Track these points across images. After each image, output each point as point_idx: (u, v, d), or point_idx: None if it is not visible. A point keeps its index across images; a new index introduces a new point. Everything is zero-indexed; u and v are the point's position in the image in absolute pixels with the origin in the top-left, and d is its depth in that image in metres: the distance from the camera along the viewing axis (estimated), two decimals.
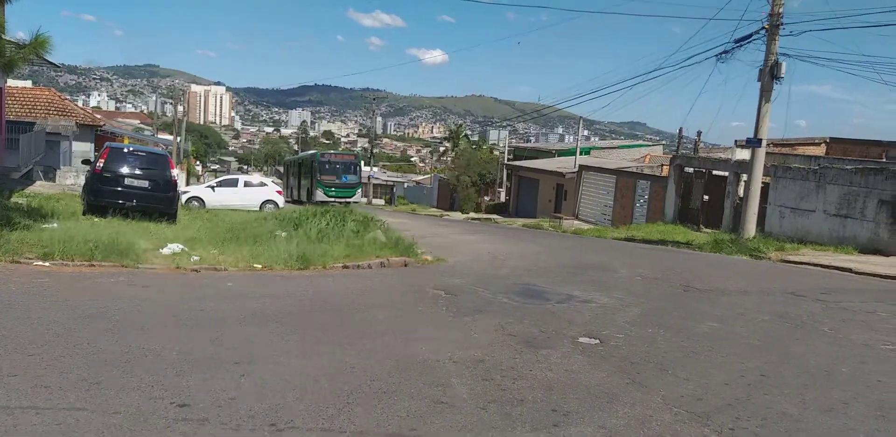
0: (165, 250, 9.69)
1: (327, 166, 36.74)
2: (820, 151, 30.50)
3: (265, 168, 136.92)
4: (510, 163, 46.95)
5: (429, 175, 76.01)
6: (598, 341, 5.96)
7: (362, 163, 42.04)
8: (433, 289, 8.31)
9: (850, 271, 12.94)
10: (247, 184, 26.25)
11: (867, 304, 8.79)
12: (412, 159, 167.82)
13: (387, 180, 74.73)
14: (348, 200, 34.47)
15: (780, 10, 17.02)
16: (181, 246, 9.99)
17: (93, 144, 30.48)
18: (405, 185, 72.77)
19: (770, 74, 17.14)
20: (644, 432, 3.81)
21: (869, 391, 4.82)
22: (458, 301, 7.59)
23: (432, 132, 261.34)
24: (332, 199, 33.89)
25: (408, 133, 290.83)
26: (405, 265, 10.44)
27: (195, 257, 9.39)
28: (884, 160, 25.97)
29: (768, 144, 19.50)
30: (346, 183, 36.77)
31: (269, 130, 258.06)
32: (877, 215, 17.65)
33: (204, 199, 24.34)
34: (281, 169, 61.97)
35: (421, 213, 41.47)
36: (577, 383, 4.70)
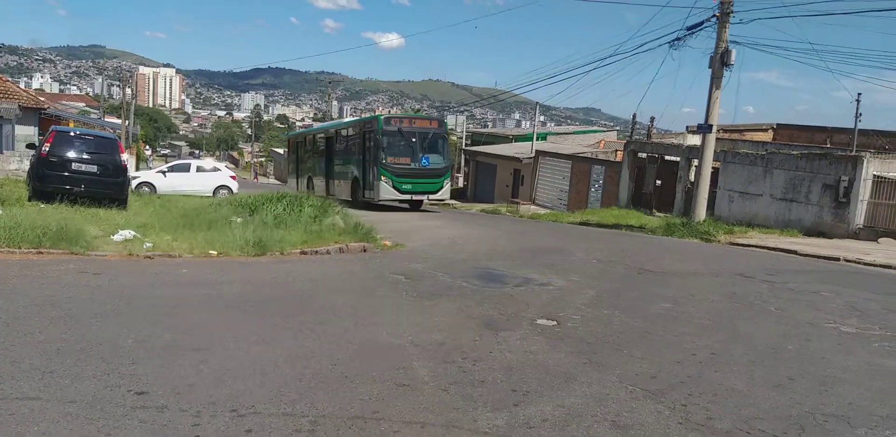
0: (117, 237, 9.46)
1: (398, 140, 21.17)
2: (767, 136, 31.36)
3: (218, 153, 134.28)
4: (468, 148, 47.01)
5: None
6: (555, 322, 6.07)
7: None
8: (393, 274, 8.32)
9: (795, 252, 13.41)
10: (199, 169, 25.70)
11: (811, 284, 9.14)
12: None
13: None
14: (432, 197, 22.19)
15: None
16: (133, 233, 9.77)
17: (37, 128, 29.35)
18: None
19: (720, 62, 17.48)
20: (601, 409, 3.91)
21: (813, 368, 5.03)
22: (418, 286, 7.63)
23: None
24: (407, 195, 21.29)
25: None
26: (364, 251, 10.41)
27: (148, 244, 9.20)
28: (828, 146, 26.86)
29: (718, 130, 19.96)
30: (428, 169, 21.29)
31: (222, 113, 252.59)
32: (821, 199, 18.29)
33: (155, 184, 23.77)
34: (287, 149, 37.49)
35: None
36: (535, 363, 4.78)
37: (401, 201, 22.19)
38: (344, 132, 25.39)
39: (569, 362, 4.85)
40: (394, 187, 20.81)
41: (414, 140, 21.10)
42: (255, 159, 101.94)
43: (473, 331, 5.62)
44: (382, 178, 20.73)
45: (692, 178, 22.48)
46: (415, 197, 21.76)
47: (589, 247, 12.45)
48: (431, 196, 22.17)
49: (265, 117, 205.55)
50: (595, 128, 62.77)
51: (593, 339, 5.56)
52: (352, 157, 23.71)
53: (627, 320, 6.33)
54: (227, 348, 4.82)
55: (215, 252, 9.18)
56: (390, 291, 7.27)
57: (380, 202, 21.81)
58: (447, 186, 22.23)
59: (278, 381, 4.15)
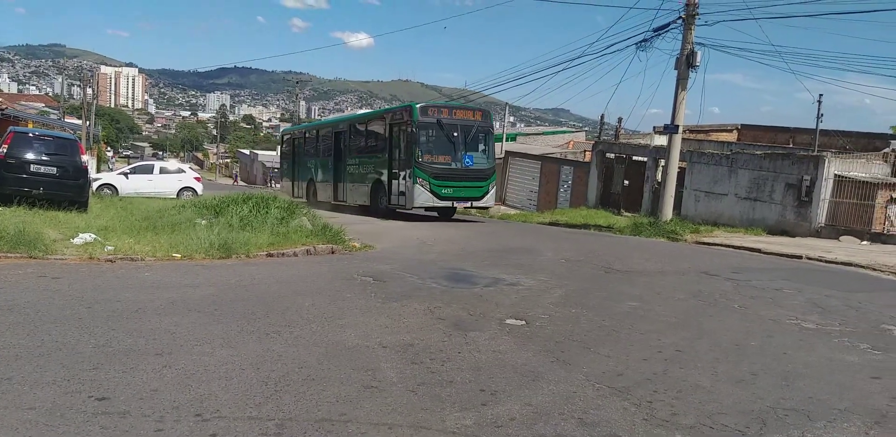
0: (77, 240, 9.26)
1: (437, 134, 17.64)
2: (732, 137, 31.93)
3: (182, 154, 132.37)
4: None
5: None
6: (524, 322, 6.09)
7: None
8: (361, 276, 8.28)
9: (759, 251, 13.68)
10: (163, 170, 25.35)
11: (774, 282, 9.32)
12: None
13: None
14: (476, 203, 18.39)
15: (696, 1, 17.62)
16: (94, 236, 9.57)
17: None
18: None
19: (686, 63, 17.76)
20: (568, 407, 3.93)
21: (775, 363, 5.12)
22: (387, 287, 7.59)
23: None
24: (447, 202, 17.66)
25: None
26: (332, 253, 10.34)
27: (109, 247, 9.01)
28: (791, 146, 27.46)
29: (684, 131, 20.26)
30: (471, 170, 17.80)
31: (186, 114, 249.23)
32: (784, 198, 18.67)
33: (117, 186, 23.38)
34: (282, 147, 31.30)
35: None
36: (504, 363, 4.79)
37: (429, 209, 18.33)
38: (361, 126, 21.24)
39: (537, 361, 4.87)
40: (431, 192, 17.04)
41: (455, 135, 17.47)
42: (221, 161, 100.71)
43: (442, 332, 5.61)
44: (418, 180, 16.97)
45: (659, 178, 22.79)
46: (456, 204, 17.96)
47: (558, 247, 12.54)
48: (475, 203, 18.18)
49: (231, 118, 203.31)
50: (564, 128, 63.34)
51: (561, 338, 5.59)
52: (373, 155, 19.63)
53: (595, 319, 6.38)
54: (191, 352, 4.74)
55: (179, 255, 9.03)
56: (358, 292, 7.23)
57: (412, 210, 18.18)
58: (492, 191, 18.46)
59: (244, 384, 4.09)
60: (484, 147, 18.26)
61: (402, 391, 4.10)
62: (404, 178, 17.53)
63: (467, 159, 17.62)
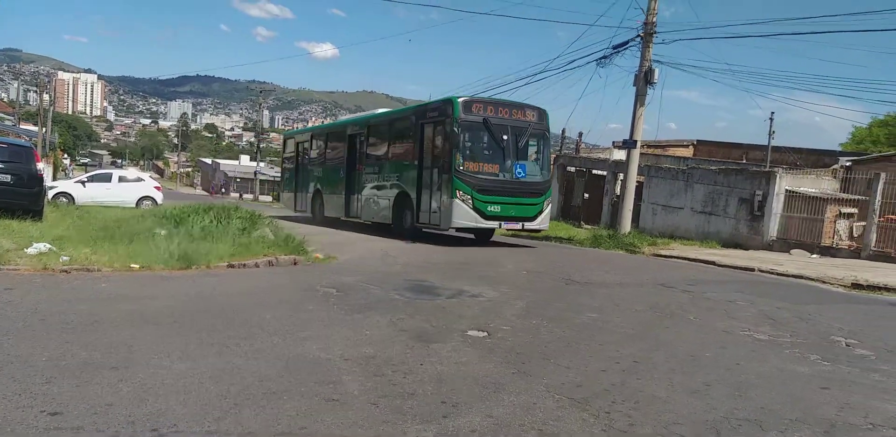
0: (31, 250, 9.03)
1: (483, 137, 14.72)
2: (688, 152, 32.67)
3: (142, 162, 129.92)
4: None
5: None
6: (486, 333, 6.14)
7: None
8: (324, 287, 8.24)
9: (713, 263, 14.00)
10: (121, 179, 24.86)
11: (728, 294, 9.55)
12: None
13: (275, 176, 72.78)
14: (528, 225, 15.11)
15: (654, 20, 18.09)
16: (49, 245, 9.34)
17: None
18: None
19: (644, 80, 18.18)
20: (528, 418, 3.98)
21: (729, 374, 5.26)
22: (349, 299, 7.57)
23: None
24: (494, 222, 14.66)
25: (297, 127, 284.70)
26: (295, 264, 10.27)
27: (65, 257, 8.81)
28: (744, 162, 28.20)
29: (642, 146, 20.70)
30: (524, 184, 14.82)
31: (147, 121, 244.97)
32: (737, 212, 19.16)
33: (73, 195, 22.85)
34: (288, 152, 25.13)
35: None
36: (465, 375, 4.83)
37: (468, 230, 15.55)
38: (384, 127, 17.59)
39: (498, 373, 4.91)
40: (475, 209, 13.92)
41: (505, 138, 14.32)
42: (182, 170, 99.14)
43: (404, 344, 5.63)
44: (458, 194, 13.80)
45: (618, 191, 23.18)
46: (505, 225, 14.84)
47: (519, 258, 12.65)
48: (528, 224, 14.83)
49: (193, 126, 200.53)
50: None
51: (522, 349, 5.65)
52: (398, 162, 16.18)
53: (555, 330, 6.46)
54: (149, 365, 4.66)
55: (137, 266, 8.87)
56: (320, 304, 7.20)
57: (447, 231, 15.31)
58: (547, 210, 15.20)
59: (202, 398, 4.05)
60: (538, 155, 15.32)
61: (363, 404, 4.10)
62: (439, 191, 14.35)
63: (519, 170, 14.38)
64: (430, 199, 14.73)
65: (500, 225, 14.80)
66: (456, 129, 13.96)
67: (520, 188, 14.54)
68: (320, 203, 20.47)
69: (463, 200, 13.93)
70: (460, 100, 14.21)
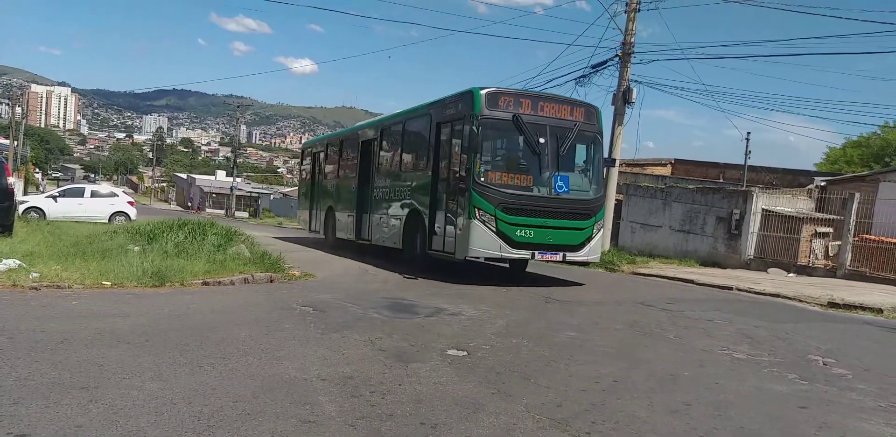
0: (0, 266, 8.81)
1: (513, 139, 11.75)
2: (666, 171, 33.03)
3: (116, 177, 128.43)
4: None
5: (297, 187, 74.36)
6: (465, 352, 6.07)
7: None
8: (300, 305, 8.12)
9: (692, 282, 14.09)
10: (94, 194, 24.47)
11: (707, 312, 9.59)
12: (279, 170, 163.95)
13: (251, 192, 72.36)
14: (572, 255, 11.59)
15: (632, 40, 18.37)
16: (18, 261, 9.13)
17: None
18: (271, 197, 70.82)
19: (623, 99, 18.40)
20: None
21: (708, 393, 5.24)
22: (327, 317, 7.47)
23: (301, 143, 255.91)
24: (526, 251, 11.22)
25: (274, 143, 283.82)
26: (271, 281, 10.13)
27: (35, 274, 8.60)
28: (721, 181, 28.57)
29: (621, 164, 20.90)
30: (566, 201, 11.35)
31: (121, 135, 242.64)
32: (715, 231, 19.35)
33: (45, 210, 22.45)
34: (304, 164, 22.56)
35: (288, 226, 40.47)
36: (445, 395, 4.76)
37: (494, 260, 12.65)
38: (397, 130, 14.35)
39: (478, 393, 4.85)
40: (499, 233, 10.79)
41: (542, 142, 11.16)
42: (157, 184, 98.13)
43: (383, 363, 5.54)
44: (478, 213, 10.75)
45: None
46: (540, 255, 11.29)
47: (500, 276, 12.60)
48: (571, 255, 11.41)
49: (168, 140, 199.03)
50: None
51: (502, 368, 5.60)
52: (411, 172, 13.51)
53: (535, 349, 6.42)
54: (120, 385, 4.53)
55: (109, 283, 8.69)
56: (297, 323, 7.09)
57: (468, 260, 11.50)
58: (598, 236, 11.79)
59: (175, 420, 3.93)
60: (587, 165, 12.02)
61: (340, 426, 4.01)
62: (454, 209, 11.26)
63: (560, 183, 11.11)
64: (444, 219, 11.58)
65: (534, 256, 11.16)
66: (476, 128, 10.78)
67: (561, 207, 11.08)
68: (333, 224, 17.55)
69: (483, 222, 10.66)
70: (483, 91, 10.98)
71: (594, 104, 12.30)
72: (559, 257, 11.32)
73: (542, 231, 11.01)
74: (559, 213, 11.14)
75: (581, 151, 12.01)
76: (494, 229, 10.75)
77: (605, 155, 19.01)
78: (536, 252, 11.13)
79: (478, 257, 11.33)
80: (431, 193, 12.05)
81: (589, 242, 11.47)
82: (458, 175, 11.28)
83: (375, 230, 14.72)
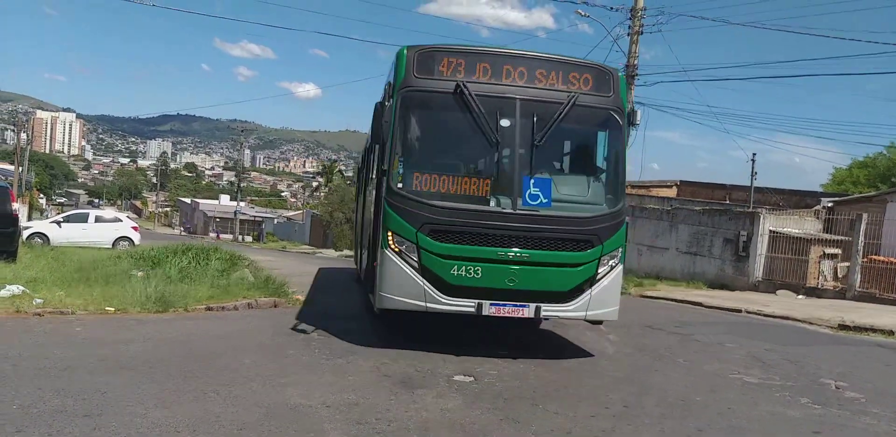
0: (3, 293, 8.76)
1: (455, 121, 7.12)
2: (672, 192, 32.97)
3: (120, 202, 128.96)
4: None
5: (300, 211, 74.46)
6: (472, 378, 5.99)
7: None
8: (305, 331, 8.04)
9: (700, 304, 13.96)
10: (98, 219, 24.49)
11: (717, 336, 9.48)
12: (283, 194, 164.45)
13: (255, 216, 72.47)
14: (549, 309, 6.86)
15: (636, 62, 18.50)
16: (22, 288, 9.08)
17: None
18: (275, 221, 70.91)
19: (627, 121, 18.46)
20: None
21: (720, 418, 5.15)
22: (332, 342, 7.39)
23: (304, 167, 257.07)
24: (468, 303, 6.68)
25: (278, 167, 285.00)
26: (275, 306, 10.05)
27: (38, 300, 8.55)
28: (727, 202, 28.50)
29: (627, 186, 20.86)
30: (545, 221, 6.83)
31: (125, 161, 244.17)
32: (722, 253, 19.24)
33: (49, 235, 22.45)
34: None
35: (292, 250, 40.45)
36: (452, 422, 4.67)
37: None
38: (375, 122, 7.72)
39: (485, 420, 4.77)
40: (423, 271, 6.80)
41: (506, 125, 7.04)
42: (161, 209, 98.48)
43: (388, 390, 5.46)
44: (391, 239, 6.90)
45: None
46: (494, 309, 6.79)
47: None
48: (552, 308, 6.93)
49: (172, 165, 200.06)
50: None
51: (510, 394, 5.51)
52: (365, 185, 11.22)
53: (543, 374, 6.33)
54: (123, 413, 4.46)
55: (113, 309, 8.63)
56: (302, 349, 7.01)
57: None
58: (611, 276, 7.15)
59: None
60: (589, 162, 7.93)
61: None
62: (372, 233, 7.98)
63: (534, 190, 6.97)
64: (360, 251, 9.01)
65: (481, 309, 6.72)
66: (394, 108, 6.99)
67: (534, 230, 6.83)
68: (359, 257, 12.78)
69: (399, 254, 6.81)
70: (411, 51, 7.10)
71: (609, 66, 7.90)
72: (528, 311, 6.73)
73: (499, 270, 6.66)
74: (530, 239, 6.72)
75: (581, 141, 7.90)
76: (416, 265, 6.66)
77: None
78: (487, 304, 6.66)
79: (399, 309, 6.91)
80: (357, 211, 9.18)
81: (588, 287, 6.87)
82: (376, 182, 7.87)
83: (361, 263, 11.14)
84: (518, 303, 6.78)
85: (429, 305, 6.76)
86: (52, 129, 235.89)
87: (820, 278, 17.73)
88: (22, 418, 4.23)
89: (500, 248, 6.74)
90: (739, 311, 13.06)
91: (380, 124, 7.14)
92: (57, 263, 12.99)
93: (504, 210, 6.83)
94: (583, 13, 19.27)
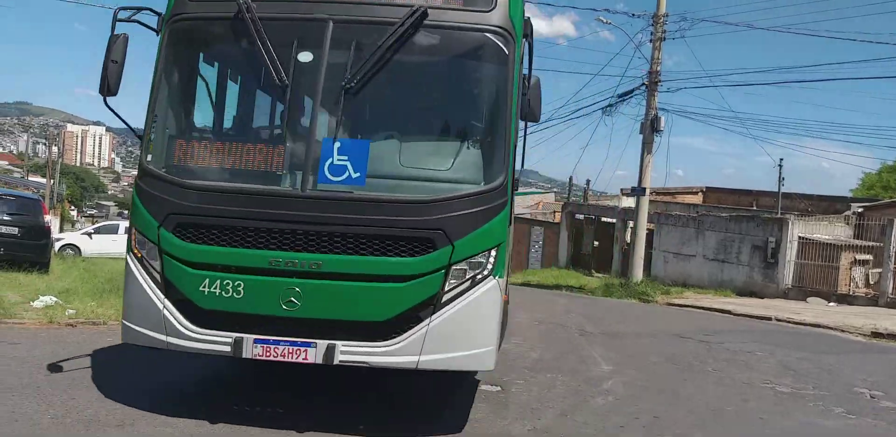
0: (37, 303, 8.94)
1: (244, 62, 5.08)
2: (698, 199, 32.66)
3: None
4: None
5: None
6: (499, 388, 5.97)
7: None
8: None
9: (729, 312, 13.79)
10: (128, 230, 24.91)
11: (746, 344, 9.34)
12: None
13: None
14: (348, 354, 4.24)
15: (658, 69, 18.42)
16: (55, 298, 9.26)
17: None
18: None
19: (651, 127, 18.36)
20: None
21: (753, 429, 5.07)
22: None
23: None
24: (223, 340, 4.31)
25: None
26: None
27: (71, 311, 8.71)
28: (754, 208, 28.14)
29: (651, 193, 20.72)
30: (355, 208, 4.31)
31: None
32: (751, 260, 18.99)
33: (80, 246, 22.90)
34: None
35: None
36: (479, 433, 4.66)
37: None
38: None
39: (513, 430, 4.75)
40: (165, 285, 4.47)
41: (305, 61, 4.60)
42: None
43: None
44: (134, 238, 4.74)
45: (628, 239, 23.10)
46: (261, 348, 4.29)
47: (531, 308, 12.47)
48: (350, 351, 4.26)
49: None
50: (533, 189, 64.23)
51: (537, 404, 5.48)
52: None
53: (571, 384, 6.29)
54: (154, 423, 4.52)
55: None
56: None
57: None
58: (481, 296, 4.35)
59: None
60: (448, 112, 5.09)
61: None
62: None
63: (337, 159, 4.44)
64: None
65: (240, 349, 4.31)
66: (162, 45, 4.84)
67: (327, 221, 4.37)
68: None
69: (139, 261, 4.66)
70: None
71: None
72: (313, 353, 4.30)
73: (271, 286, 4.36)
74: (325, 237, 4.38)
75: (434, 81, 5.18)
76: (158, 278, 4.54)
77: (636, 185, 18.86)
78: (249, 340, 4.34)
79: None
80: None
81: (426, 315, 4.35)
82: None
83: None
84: (300, 340, 4.25)
85: (170, 339, 4.40)
86: (82, 142, 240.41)
87: (851, 284, 17.41)
88: (55, 427, 4.31)
89: (274, 251, 4.30)
90: (769, 319, 12.86)
91: None
92: (88, 274, 13.22)
93: (286, 191, 4.48)
94: (605, 20, 19.26)
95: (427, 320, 4.26)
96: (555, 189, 66.80)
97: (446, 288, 4.26)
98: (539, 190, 61.68)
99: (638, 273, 18.68)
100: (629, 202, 25.08)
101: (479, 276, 4.31)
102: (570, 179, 37.13)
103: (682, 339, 9.58)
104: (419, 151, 4.82)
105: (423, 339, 4.24)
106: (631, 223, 21.55)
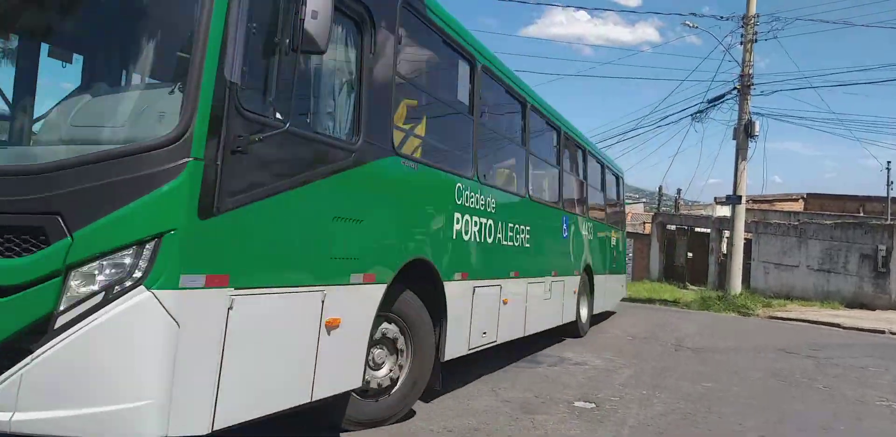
0: None
1: None
2: (798, 206, 31.14)
3: None
4: None
5: None
6: (593, 405, 5.87)
7: None
8: None
9: (838, 326, 13.02)
10: None
11: (858, 359, 8.79)
12: None
13: None
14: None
15: (750, 71, 17.78)
16: None
17: None
18: None
19: (744, 133, 17.70)
20: None
21: None
22: (447, 367, 7.46)
23: None
24: None
25: None
26: None
27: None
28: (861, 215, 26.53)
29: (748, 201, 19.93)
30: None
31: None
32: (859, 270, 17.90)
33: None
34: None
35: None
36: None
37: None
38: None
39: None
40: None
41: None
42: None
43: (508, 415, 5.45)
44: None
45: (724, 249, 22.25)
46: None
47: (623, 322, 12.20)
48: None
49: None
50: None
51: (633, 422, 5.35)
52: None
53: (668, 401, 6.10)
54: None
55: None
56: None
57: None
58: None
59: None
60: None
61: None
62: None
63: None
64: None
65: None
66: None
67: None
68: None
69: None
70: None
71: None
72: None
73: None
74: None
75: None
76: None
77: (730, 193, 18.17)
78: None
79: None
80: None
81: (26, 350, 2.73)
82: None
83: None
84: None
85: None
86: None
87: None
88: None
89: None
90: (882, 332, 12.07)
91: None
92: None
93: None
94: (691, 24, 18.78)
95: (29, 357, 2.71)
96: (643, 199, 65.19)
97: (62, 306, 2.74)
98: (627, 201, 60.38)
99: (736, 285, 17.91)
100: (724, 211, 24.18)
101: (121, 286, 2.72)
102: (660, 188, 36.18)
103: (788, 354, 9.12)
104: (97, 106, 3.34)
105: (19, 384, 2.68)
106: (727, 233, 20.75)
